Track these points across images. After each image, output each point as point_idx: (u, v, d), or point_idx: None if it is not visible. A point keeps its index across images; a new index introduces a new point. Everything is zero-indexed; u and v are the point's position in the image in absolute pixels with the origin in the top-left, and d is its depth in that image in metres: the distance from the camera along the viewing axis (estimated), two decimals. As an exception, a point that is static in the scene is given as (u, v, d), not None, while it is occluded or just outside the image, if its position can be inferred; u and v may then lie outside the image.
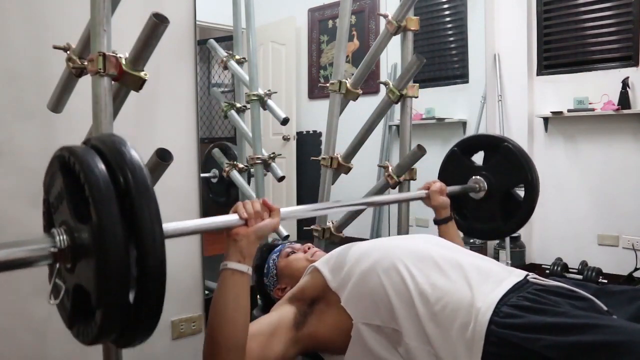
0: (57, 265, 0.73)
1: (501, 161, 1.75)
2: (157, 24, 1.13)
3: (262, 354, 1.06)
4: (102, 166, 0.69)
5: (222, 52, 2.66)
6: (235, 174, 2.59)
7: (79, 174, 0.68)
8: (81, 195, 0.68)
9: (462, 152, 1.87)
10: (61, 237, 0.71)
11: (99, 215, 0.65)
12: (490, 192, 1.77)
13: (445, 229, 1.61)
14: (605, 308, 1.01)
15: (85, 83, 1.28)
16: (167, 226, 0.87)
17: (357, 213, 1.99)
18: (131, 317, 0.69)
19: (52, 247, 0.71)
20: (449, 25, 3.93)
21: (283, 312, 1.16)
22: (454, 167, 1.83)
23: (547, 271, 3.29)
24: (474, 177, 1.79)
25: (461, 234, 1.74)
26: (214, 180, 2.85)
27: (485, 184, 1.77)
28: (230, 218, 1.04)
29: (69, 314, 0.76)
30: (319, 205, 1.26)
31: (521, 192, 1.78)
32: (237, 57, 2.63)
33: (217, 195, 2.87)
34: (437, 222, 1.63)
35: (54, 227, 0.74)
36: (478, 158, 1.88)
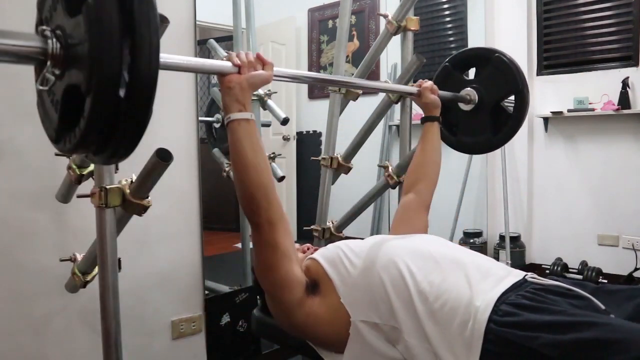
0: (48, 64, 0.68)
1: (492, 72, 1.75)
2: None
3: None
4: None
5: (222, 52, 2.66)
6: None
7: None
8: None
9: (453, 67, 1.85)
10: (53, 40, 0.67)
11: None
12: (480, 104, 1.76)
13: (430, 127, 1.60)
14: (602, 307, 1.01)
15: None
16: (165, 57, 0.86)
17: (357, 213, 1.99)
18: (119, 114, 0.65)
19: (43, 46, 0.66)
20: (449, 25, 3.93)
21: (299, 270, 1.16)
22: (446, 82, 1.81)
23: (547, 271, 3.29)
24: (465, 88, 1.79)
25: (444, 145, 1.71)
26: (217, 125, 2.82)
27: (476, 95, 1.76)
28: (224, 64, 1.06)
29: (57, 124, 0.73)
30: (313, 74, 1.28)
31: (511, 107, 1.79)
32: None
33: (220, 141, 2.84)
34: (424, 119, 1.62)
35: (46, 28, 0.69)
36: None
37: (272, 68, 1.11)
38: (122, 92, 0.64)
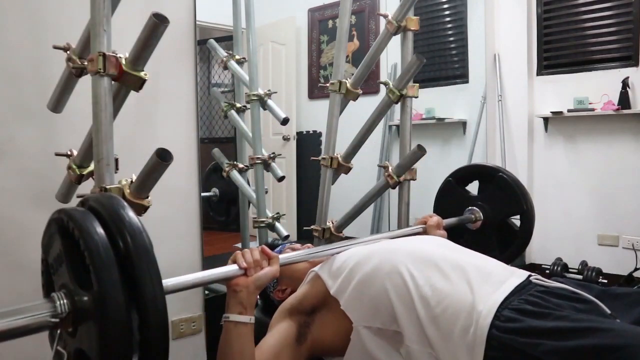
0: (59, 331, 0.74)
1: (496, 191, 1.78)
2: (157, 24, 1.13)
3: None
4: (101, 231, 0.69)
5: (222, 52, 2.66)
6: (235, 174, 2.59)
7: (79, 240, 0.69)
8: (81, 260, 0.68)
9: (457, 182, 1.89)
10: (62, 302, 0.71)
11: (100, 283, 0.66)
12: (486, 222, 1.79)
13: None
14: (608, 311, 1.00)
15: (85, 83, 1.28)
16: (168, 282, 0.88)
17: (357, 213, 1.99)
18: None
19: (53, 314, 0.71)
20: (449, 25, 3.93)
21: (283, 329, 1.15)
22: (449, 197, 1.86)
23: (547, 271, 3.29)
24: (469, 207, 1.81)
25: None
26: (215, 199, 2.90)
27: (481, 214, 1.79)
28: (230, 269, 1.05)
29: None
30: (318, 249, 1.28)
31: (517, 222, 1.80)
32: (237, 57, 2.63)
33: (217, 214, 2.93)
34: None
35: (54, 290, 0.74)
36: (473, 188, 1.90)
37: (277, 262, 1.10)
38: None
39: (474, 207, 1.79)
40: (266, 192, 2.49)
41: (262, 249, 1.09)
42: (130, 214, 0.73)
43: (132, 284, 0.68)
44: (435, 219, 1.58)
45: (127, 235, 0.70)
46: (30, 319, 0.71)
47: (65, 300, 0.71)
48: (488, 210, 1.78)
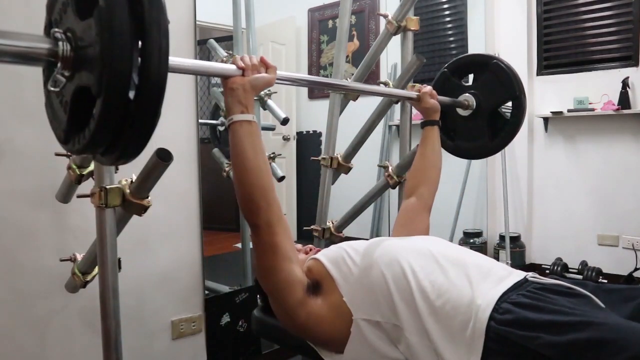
0: (58, 65, 0.69)
1: (490, 78, 1.76)
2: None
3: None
4: None
5: (222, 52, 2.66)
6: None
7: None
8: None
9: (451, 73, 1.86)
10: (63, 42, 0.68)
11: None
12: (478, 109, 1.78)
13: (430, 131, 1.60)
14: (603, 306, 1.02)
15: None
16: (170, 58, 0.88)
17: (357, 213, 1.99)
18: (129, 116, 0.66)
19: (54, 48, 0.68)
20: (449, 25, 3.93)
21: (299, 270, 1.15)
22: (444, 88, 1.82)
23: (547, 271, 3.30)
24: (463, 94, 1.80)
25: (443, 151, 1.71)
26: (222, 128, 2.85)
27: (474, 100, 1.77)
28: (228, 67, 1.08)
29: (66, 125, 0.74)
30: (313, 78, 1.29)
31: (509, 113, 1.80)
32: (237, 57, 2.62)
33: (224, 143, 2.85)
34: (424, 124, 1.63)
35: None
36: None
37: (275, 71, 1.13)
38: (131, 94, 0.65)
39: (467, 94, 1.79)
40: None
41: (262, 58, 1.12)
42: None
43: (139, 21, 0.65)
44: (429, 87, 1.62)
45: None
46: (30, 48, 0.68)
47: (66, 42, 0.68)
48: (481, 97, 1.77)
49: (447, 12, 3.93)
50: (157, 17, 0.66)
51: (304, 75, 1.32)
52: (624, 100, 3.17)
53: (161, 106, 0.68)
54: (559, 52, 3.55)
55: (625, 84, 3.16)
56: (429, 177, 1.56)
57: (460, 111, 1.80)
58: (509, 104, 1.78)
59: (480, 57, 1.98)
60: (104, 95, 0.64)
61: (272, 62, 1.12)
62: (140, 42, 0.65)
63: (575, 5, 3.41)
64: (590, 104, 3.32)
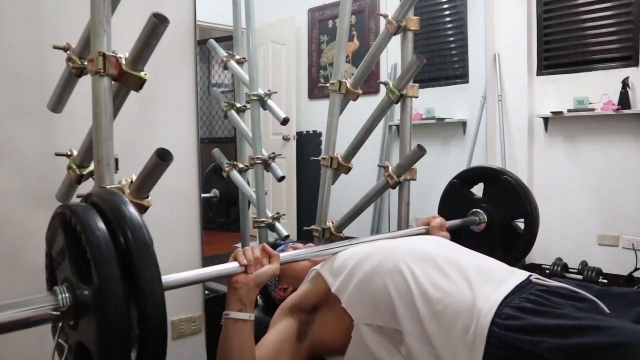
0: (60, 324, 0.75)
1: (501, 193, 1.77)
2: (157, 24, 1.13)
3: None
4: (102, 226, 0.71)
5: (222, 52, 2.66)
6: (235, 174, 2.59)
7: (80, 234, 0.70)
8: (83, 255, 0.69)
9: (461, 184, 1.88)
10: (64, 295, 0.72)
11: (100, 278, 0.67)
12: (490, 225, 1.78)
13: None
14: (607, 310, 1.00)
15: (85, 83, 1.28)
16: (167, 278, 0.89)
17: (357, 213, 1.99)
18: None
19: (55, 307, 0.72)
20: (449, 25, 3.93)
21: (284, 327, 1.15)
22: (454, 199, 1.85)
23: (547, 271, 3.29)
24: (473, 209, 1.80)
25: None
26: (215, 200, 2.90)
27: (485, 216, 1.78)
28: (230, 266, 1.06)
29: None
30: (319, 248, 1.29)
31: (521, 224, 1.80)
32: (237, 57, 2.62)
33: (217, 214, 2.93)
34: None
35: (57, 283, 0.76)
36: (478, 191, 1.89)
37: (278, 260, 1.11)
38: (133, 355, 0.69)
39: (478, 209, 1.79)
40: (265, 194, 2.49)
41: (263, 246, 1.10)
42: (131, 209, 0.74)
43: (132, 279, 0.69)
44: (439, 220, 1.58)
45: (128, 231, 0.71)
46: (32, 312, 0.72)
47: (67, 294, 0.72)
48: (492, 212, 1.77)
49: (447, 12, 3.93)
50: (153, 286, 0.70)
51: (307, 250, 1.31)
52: (624, 100, 3.16)
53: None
54: (559, 52, 3.55)
55: (625, 84, 3.16)
56: None
57: (472, 227, 1.81)
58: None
59: (490, 171, 1.97)
60: None
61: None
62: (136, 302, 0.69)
63: (575, 5, 3.41)
64: (590, 104, 3.31)
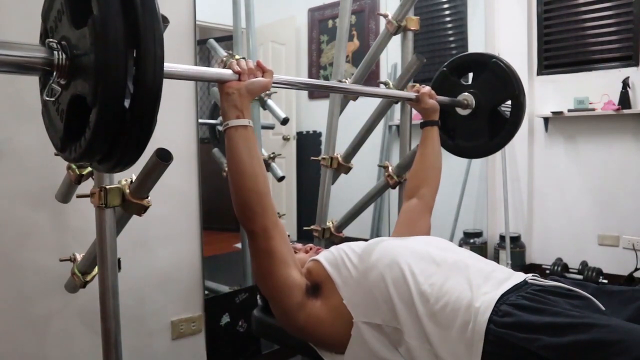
0: (54, 74, 0.70)
1: (489, 78, 1.76)
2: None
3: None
4: None
5: (222, 52, 2.66)
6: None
7: None
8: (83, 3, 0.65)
9: (450, 72, 1.86)
10: (59, 52, 0.68)
11: (100, 8, 0.62)
12: (477, 109, 1.78)
13: (430, 132, 1.60)
14: (603, 308, 1.01)
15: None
16: (165, 65, 0.87)
17: (357, 213, 1.99)
18: (124, 124, 0.66)
19: (50, 57, 0.68)
20: (449, 25, 3.93)
21: (297, 273, 1.15)
22: (443, 87, 1.82)
23: (547, 271, 3.29)
24: (462, 93, 1.80)
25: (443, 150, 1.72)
26: (221, 128, 2.84)
27: (473, 100, 1.78)
28: (224, 71, 1.08)
29: (62, 134, 0.74)
30: (311, 81, 1.30)
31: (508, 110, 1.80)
32: (237, 57, 2.62)
33: (223, 143, 2.85)
34: (423, 124, 1.63)
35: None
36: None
37: (271, 75, 1.12)
38: (127, 103, 0.65)
39: (466, 93, 1.79)
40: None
41: (258, 62, 1.12)
42: None
43: (134, 29, 0.64)
44: (428, 88, 1.62)
45: None
46: (27, 56, 0.68)
47: (61, 52, 0.69)
48: (480, 97, 1.77)
49: (447, 12, 3.93)
50: (152, 24, 0.66)
51: (301, 78, 1.32)
52: (624, 100, 3.17)
53: (157, 114, 0.68)
54: (559, 52, 3.55)
55: (625, 84, 3.16)
56: (429, 177, 1.56)
57: (459, 110, 1.80)
58: (509, 102, 1.78)
59: (479, 56, 1.98)
60: (99, 105, 0.64)
61: (272, 62, 1.12)
62: (135, 51, 0.65)
63: (575, 5, 3.41)
64: (590, 104, 3.31)
